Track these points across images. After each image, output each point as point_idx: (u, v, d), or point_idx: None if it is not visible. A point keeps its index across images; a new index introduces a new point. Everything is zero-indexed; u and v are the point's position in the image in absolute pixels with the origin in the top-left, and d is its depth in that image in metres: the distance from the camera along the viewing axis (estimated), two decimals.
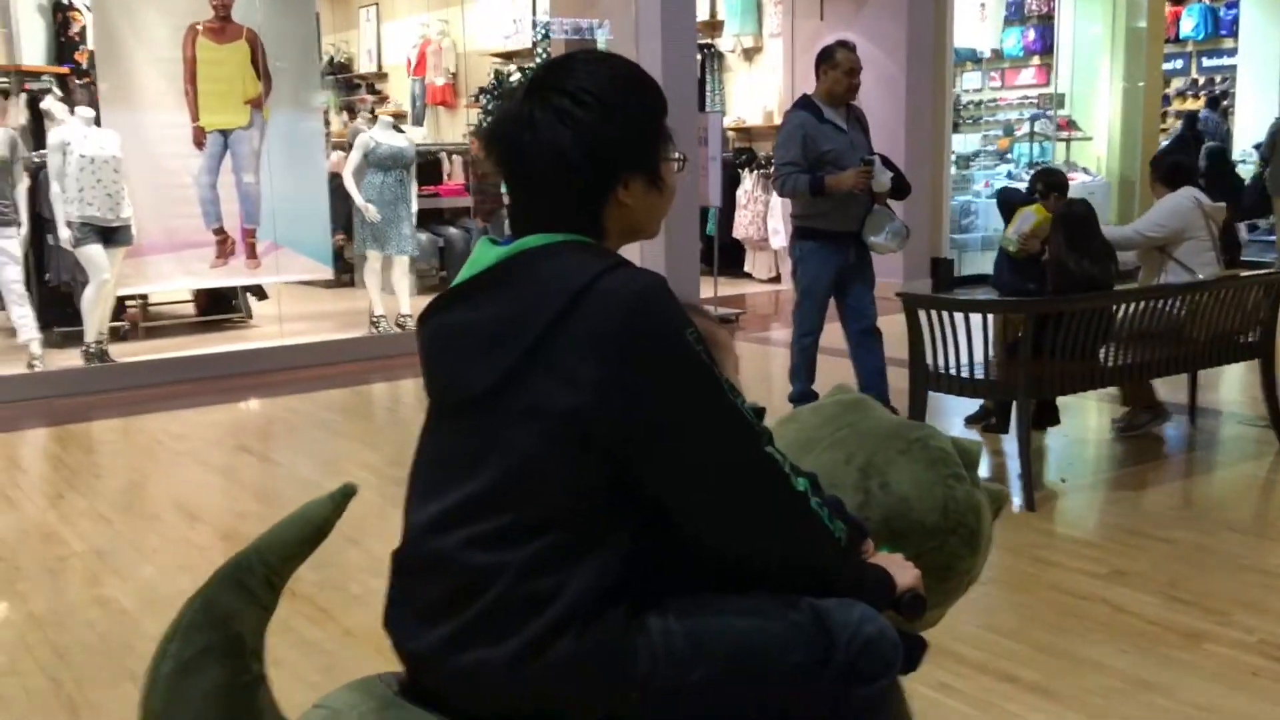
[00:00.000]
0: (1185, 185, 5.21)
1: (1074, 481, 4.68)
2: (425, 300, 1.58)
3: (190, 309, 9.52)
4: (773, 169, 5.43)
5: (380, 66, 16.21)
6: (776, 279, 11.12)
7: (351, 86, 17.07)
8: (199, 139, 7.97)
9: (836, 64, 5.20)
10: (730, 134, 11.89)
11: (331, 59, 17.17)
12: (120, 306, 8.41)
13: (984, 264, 11.15)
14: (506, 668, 1.40)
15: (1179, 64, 14.17)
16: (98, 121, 7.34)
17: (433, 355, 1.54)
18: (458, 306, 1.51)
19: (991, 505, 1.92)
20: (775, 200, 10.88)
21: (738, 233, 11.25)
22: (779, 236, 10.78)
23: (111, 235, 7.25)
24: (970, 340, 4.42)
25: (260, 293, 9.40)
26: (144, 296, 9.27)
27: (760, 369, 7.43)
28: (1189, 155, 5.64)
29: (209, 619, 1.37)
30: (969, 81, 14.41)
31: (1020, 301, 4.64)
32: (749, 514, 1.47)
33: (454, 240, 10.75)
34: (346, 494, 1.46)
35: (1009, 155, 11.96)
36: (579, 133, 1.47)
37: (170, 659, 1.35)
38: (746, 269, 11.52)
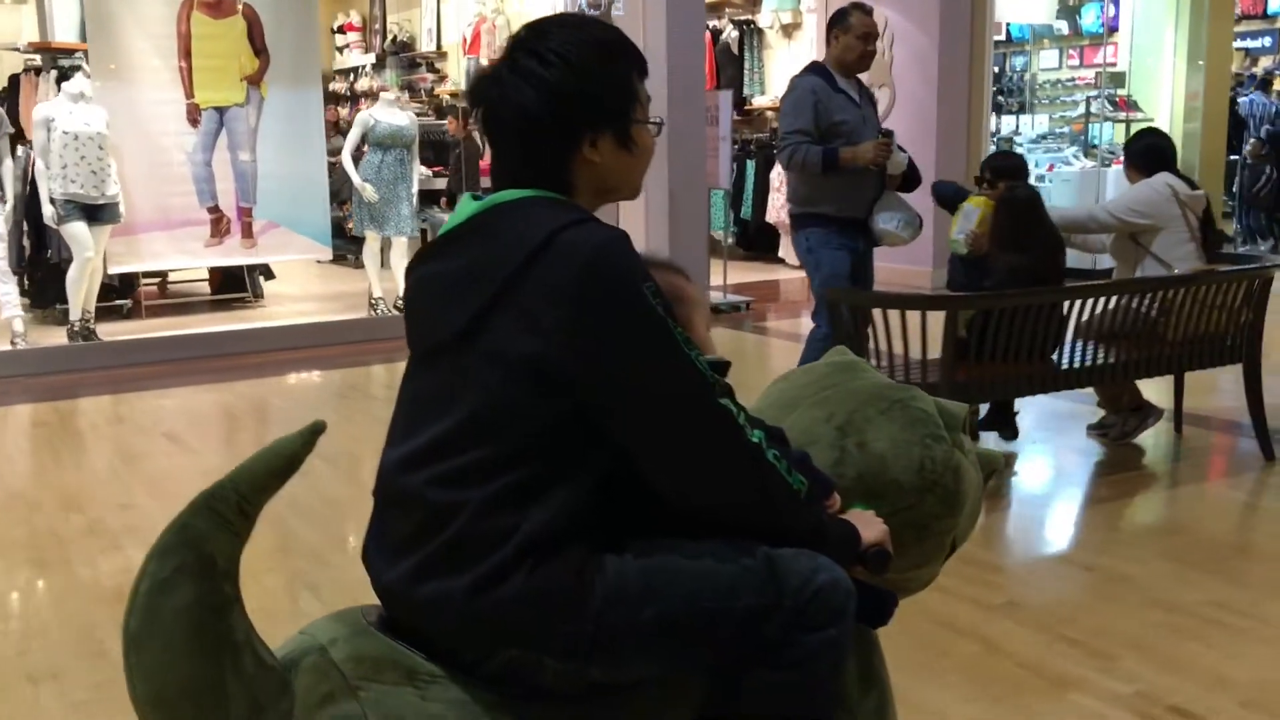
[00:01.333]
0: (1162, 170, 4.70)
1: (1024, 495, 4.26)
2: None
3: (205, 288, 9.50)
4: (778, 139, 4.76)
5: (439, 45, 16.11)
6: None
7: (413, 65, 16.99)
8: (193, 116, 7.89)
9: (850, 28, 4.69)
10: (769, 114, 11.48)
11: (394, 38, 17.16)
12: (132, 284, 8.40)
13: None
14: (463, 599, 1.46)
15: (1267, 41, 13.29)
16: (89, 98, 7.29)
17: (411, 305, 1.63)
18: (436, 259, 1.60)
19: (984, 469, 1.92)
20: None
21: (771, 216, 10.86)
22: None
23: (96, 213, 7.20)
24: (902, 339, 4.02)
25: (268, 272, 9.32)
26: (163, 274, 9.32)
27: (758, 362, 7.07)
28: (1163, 137, 5.06)
29: (182, 541, 1.42)
30: (1046, 60, 13.73)
31: (948, 297, 4.21)
32: (700, 463, 1.52)
33: None
34: (315, 430, 1.50)
35: (1084, 137, 11.33)
36: (542, 90, 1.55)
37: (147, 578, 1.42)
38: (781, 254, 11.11)
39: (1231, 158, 11.15)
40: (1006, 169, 4.76)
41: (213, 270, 9.17)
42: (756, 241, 11.39)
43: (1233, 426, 5.02)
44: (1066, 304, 4.18)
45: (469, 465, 1.48)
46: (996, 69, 12.50)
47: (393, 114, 8.31)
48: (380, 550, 1.57)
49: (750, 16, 11.43)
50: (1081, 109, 10.86)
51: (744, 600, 1.53)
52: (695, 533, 1.57)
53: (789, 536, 1.58)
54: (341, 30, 18.94)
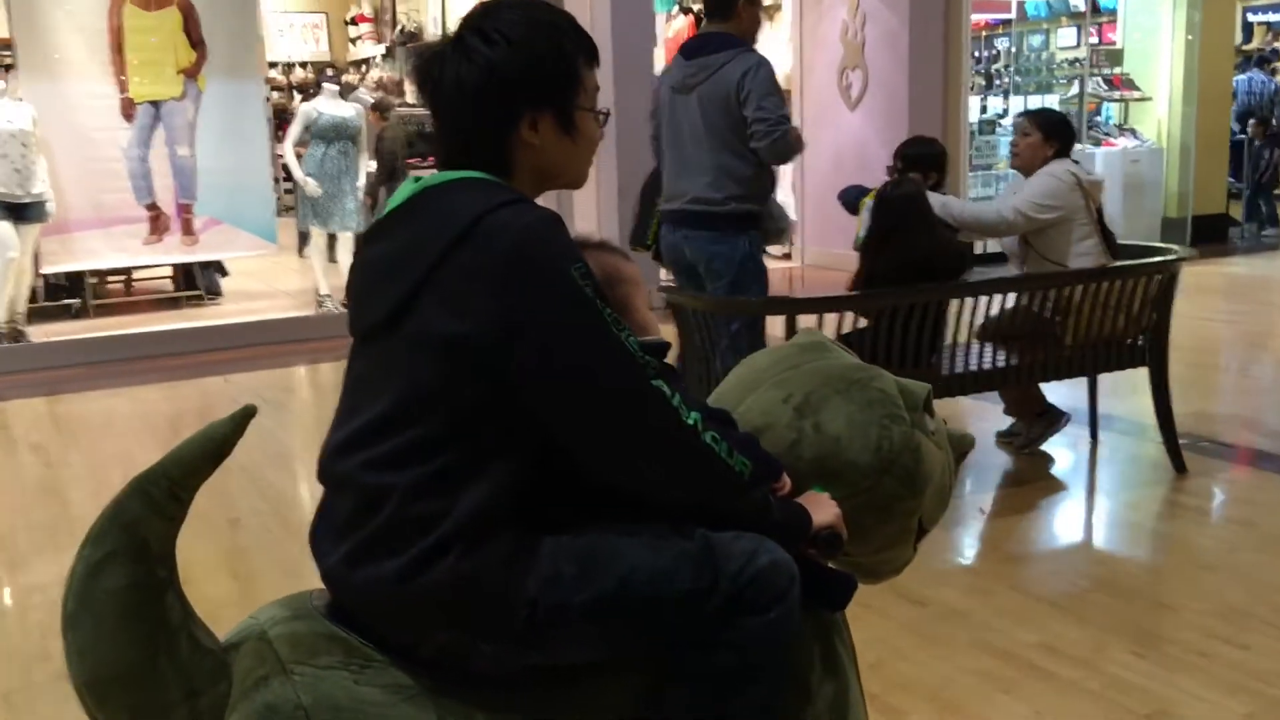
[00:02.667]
0: (1067, 155, 4.31)
1: None
2: None
3: (169, 285, 9.35)
4: (761, 123, 4.03)
5: (445, 33, 15.83)
6: (788, 256, 10.33)
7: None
8: (127, 111, 7.69)
9: (758, 1, 4.22)
10: None
11: (403, 28, 17.00)
12: (82, 283, 8.26)
13: None
14: (394, 583, 1.45)
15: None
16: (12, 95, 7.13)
17: (351, 288, 1.62)
18: (374, 242, 1.60)
19: (954, 449, 1.90)
20: (786, 168, 10.09)
21: None
22: (787, 209, 9.98)
23: (21, 212, 7.05)
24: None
25: (222, 269, 9.15)
26: (128, 272, 9.18)
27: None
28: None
29: (115, 525, 1.43)
30: (1064, 38, 13.20)
31: (782, 301, 3.85)
32: (632, 446, 1.50)
33: None
34: (246, 414, 1.50)
35: (1099, 117, 10.82)
36: (483, 67, 1.54)
37: (82, 561, 1.43)
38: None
39: (1239, 137, 10.62)
40: (918, 158, 4.41)
41: (175, 268, 9.02)
42: None
43: (1154, 431, 4.62)
44: (955, 304, 3.83)
45: (399, 449, 1.47)
46: (1014, 49, 12.03)
47: (337, 105, 8.08)
48: (324, 534, 1.56)
49: None
50: (1075, 89, 10.35)
51: (680, 583, 1.51)
52: (636, 515, 1.55)
53: (733, 519, 1.57)
54: (354, 21, 18.85)
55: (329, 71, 18.24)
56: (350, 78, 17.64)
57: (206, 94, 7.90)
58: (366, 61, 17.97)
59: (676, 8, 11.69)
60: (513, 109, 1.56)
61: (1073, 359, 4.05)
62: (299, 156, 8.11)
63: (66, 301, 8.35)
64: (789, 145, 4.07)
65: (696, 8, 11.32)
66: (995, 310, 4.02)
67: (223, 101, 7.95)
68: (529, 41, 1.56)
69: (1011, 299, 4.09)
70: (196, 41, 7.83)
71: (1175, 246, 4.24)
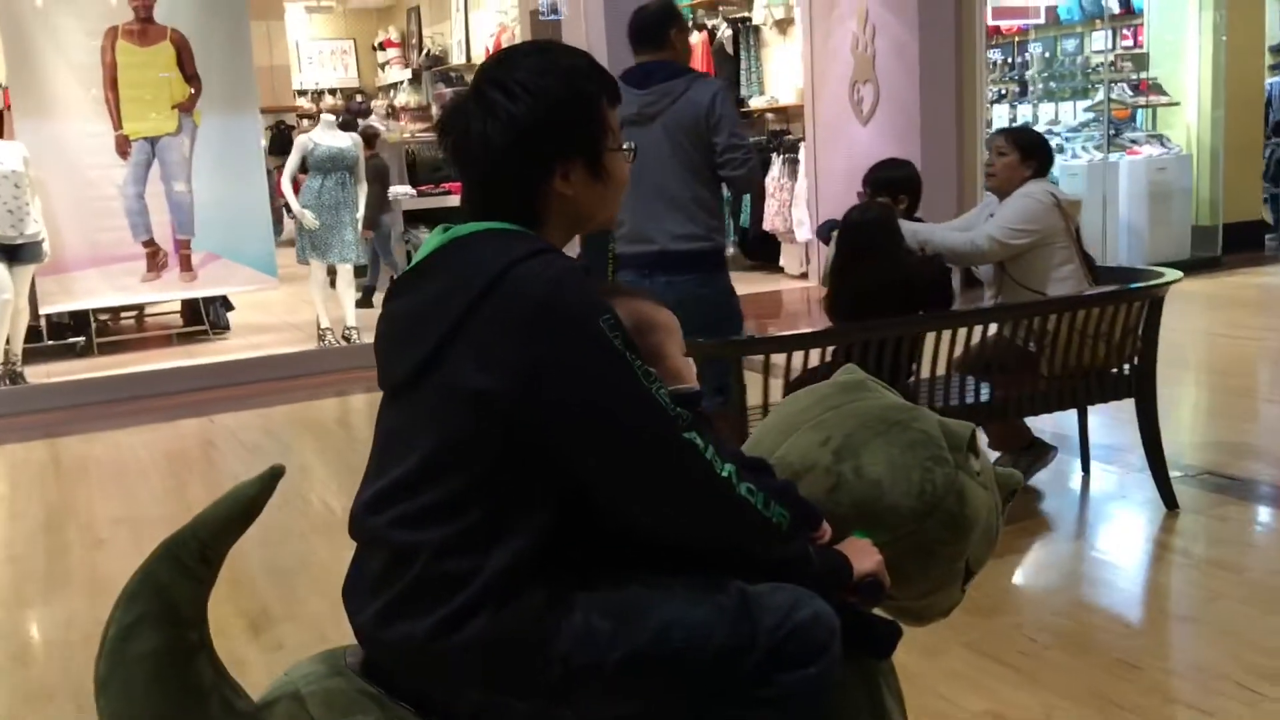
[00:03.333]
0: (1044, 175, 4.06)
1: None
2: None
3: (178, 320, 9.32)
4: (736, 150, 3.92)
5: (469, 58, 15.89)
6: (805, 275, 10.10)
7: (448, 79, 16.82)
8: (122, 148, 7.67)
9: (684, 24, 4.10)
10: (769, 115, 10.92)
11: (428, 52, 17.02)
12: (86, 321, 8.25)
13: None
14: (425, 642, 1.43)
15: None
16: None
17: (378, 342, 1.60)
18: (401, 295, 1.57)
19: (1002, 489, 1.85)
20: (800, 187, 9.87)
21: (767, 224, 10.28)
22: (804, 227, 9.77)
23: (14, 253, 7.01)
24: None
25: (228, 303, 9.10)
26: (140, 308, 9.18)
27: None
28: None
29: (146, 589, 1.43)
30: (1098, 41, 12.85)
31: (729, 343, 3.61)
32: (665, 499, 1.47)
33: None
34: (275, 475, 1.50)
35: (1133, 123, 10.46)
36: (508, 125, 1.51)
37: (114, 625, 1.43)
38: (781, 263, 10.53)
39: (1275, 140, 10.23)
40: (887, 182, 4.18)
41: (184, 302, 8.98)
42: (758, 250, 10.81)
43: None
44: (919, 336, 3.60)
45: (428, 505, 1.46)
46: (1047, 54, 11.72)
47: (333, 136, 7.98)
48: (355, 590, 1.55)
49: (746, 14, 10.87)
50: (1101, 94, 10.01)
51: (717, 639, 1.48)
52: (672, 565, 1.52)
53: (772, 570, 1.54)
54: (382, 47, 18.94)
55: (358, 98, 18.37)
56: (379, 103, 17.73)
57: (202, 128, 7.86)
58: (394, 87, 18.04)
59: (691, 24, 11.53)
60: (544, 164, 1.54)
61: (1053, 391, 3.80)
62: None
63: (71, 340, 8.34)
64: (759, 175, 3.91)
65: (710, 24, 11.16)
66: (975, 340, 3.80)
67: (219, 135, 7.91)
68: (551, 92, 1.53)
69: (991, 328, 3.86)
70: (191, 76, 7.80)
71: (1163, 270, 3.97)
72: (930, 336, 3.60)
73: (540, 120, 1.52)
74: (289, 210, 8.08)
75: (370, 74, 19.36)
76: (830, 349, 3.53)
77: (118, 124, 7.64)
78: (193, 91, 7.81)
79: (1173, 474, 4.18)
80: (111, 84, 7.59)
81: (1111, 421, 4.58)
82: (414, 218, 10.54)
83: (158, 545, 1.46)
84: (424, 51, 17.39)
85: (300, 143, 8.01)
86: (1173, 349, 6.63)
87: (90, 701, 1.48)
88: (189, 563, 1.45)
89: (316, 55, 19.15)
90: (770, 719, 1.49)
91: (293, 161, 7.96)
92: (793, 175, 9.96)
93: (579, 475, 1.46)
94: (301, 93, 18.54)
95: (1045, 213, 3.92)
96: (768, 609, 1.50)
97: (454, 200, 10.45)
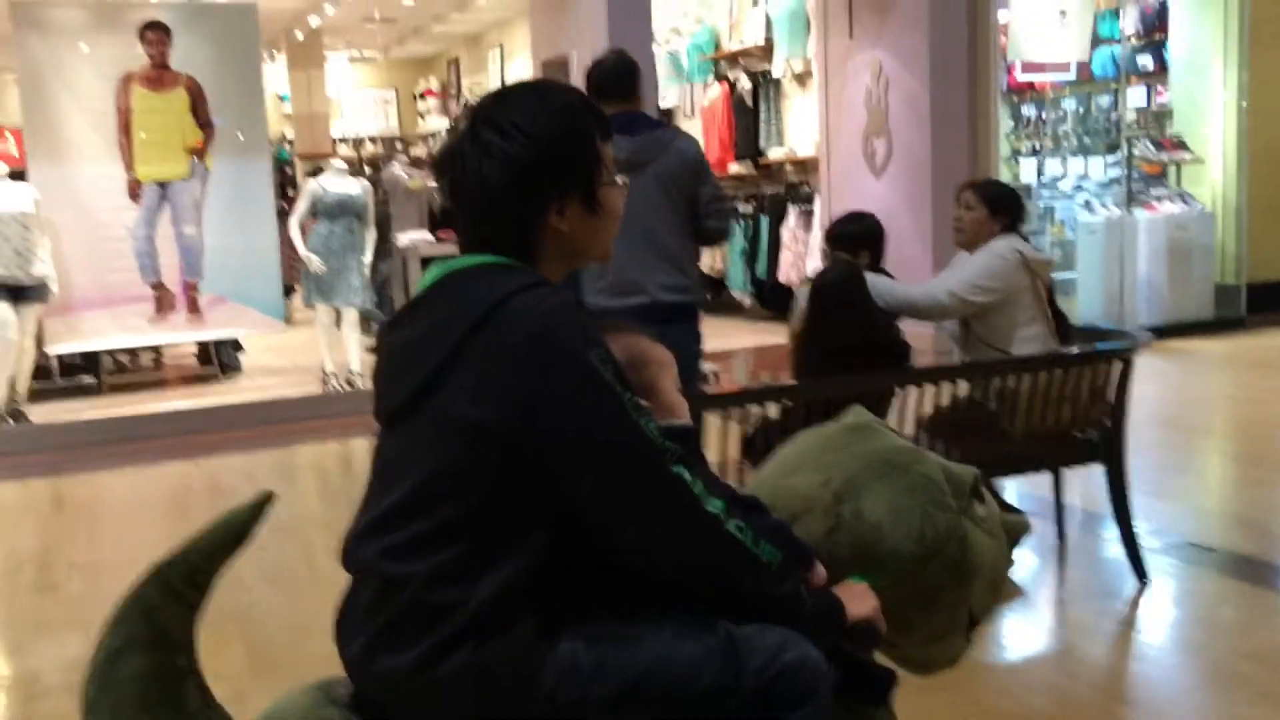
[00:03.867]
0: (1015, 231, 3.95)
1: None
2: None
3: (194, 363, 9.37)
4: (720, 203, 4.10)
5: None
6: None
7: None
8: (133, 191, 7.77)
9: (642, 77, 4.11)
10: (788, 167, 10.87)
11: (466, 102, 17.21)
12: (97, 361, 8.32)
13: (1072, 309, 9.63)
14: (410, 675, 1.43)
15: None
16: (18, 176, 7.23)
17: (376, 374, 1.63)
18: (398, 327, 1.59)
19: (1008, 535, 1.81)
20: (815, 238, 9.79)
21: (782, 275, 10.20)
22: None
23: (22, 293, 7.09)
24: None
25: (238, 345, 9.14)
26: (158, 349, 9.26)
27: None
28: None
29: (135, 612, 1.44)
30: (1134, 97, 12.72)
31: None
32: (653, 533, 1.46)
33: None
34: (264, 500, 1.52)
35: (1163, 180, 10.30)
36: (504, 165, 1.53)
37: (103, 648, 1.44)
38: None
39: None
40: (847, 236, 4.09)
41: (200, 345, 9.04)
42: (773, 301, 10.72)
43: (1160, 536, 4.18)
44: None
45: (417, 536, 1.46)
46: (1081, 109, 11.59)
47: (342, 183, 8.03)
48: (348, 622, 1.55)
49: (766, 67, 10.86)
50: (1123, 150, 9.86)
51: (702, 679, 1.47)
52: (662, 605, 1.51)
53: (762, 611, 1.51)
54: (423, 96, 19.20)
55: (398, 145, 18.57)
56: (419, 151, 17.93)
57: (214, 173, 7.94)
58: (433, 135, 18.25)
59: (711, 76, 11.55)
60: (539, 202, 1.56)
61: (1019, 454, 3.68)
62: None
63: (83, 380, 8.41)
64: (729, 230, 3.96)
65: (732, 76, 11.16)
66: (946, 401, 3.69)
67: (230, 180, 7.98)
68: (546, 131, 1.55)
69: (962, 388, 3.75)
70: (204, 123, 7.90)
71: (1134, 332, 3.84)
72: (903, 398, 3.50)
73: (536, 159, 1.54)
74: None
75: (411, 122, 19.62)
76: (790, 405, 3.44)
77: (130, 167, 7.74)
78: (206, 136, 7.89)
79: (1155, 543, 4.04)
80: (125, 128, 7.70)
81: (1099, 485, 4.43)
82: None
83: (147, 569, 1.45)
84: (462, 101, 17.60)
85: (310, 189, 8.07)
86: (1180, 410, 6.47)
87: None
88: (179, 586, 1.46)
89: (360, 104, 19.46)
90: None
91: (301, 207, 8.00)
92: (807, 227, 9.90)
93: (568, 507, 1.47)
94: (343, 140, 18.82)
95: (1010, 271, 3.81)
96: (755, 650, 1.48)
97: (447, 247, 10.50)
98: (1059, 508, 4.15)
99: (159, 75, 7.75)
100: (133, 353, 9.24)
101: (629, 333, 1.74)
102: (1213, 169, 9.62)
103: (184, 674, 1.46)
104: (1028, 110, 12.15)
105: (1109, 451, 3.72)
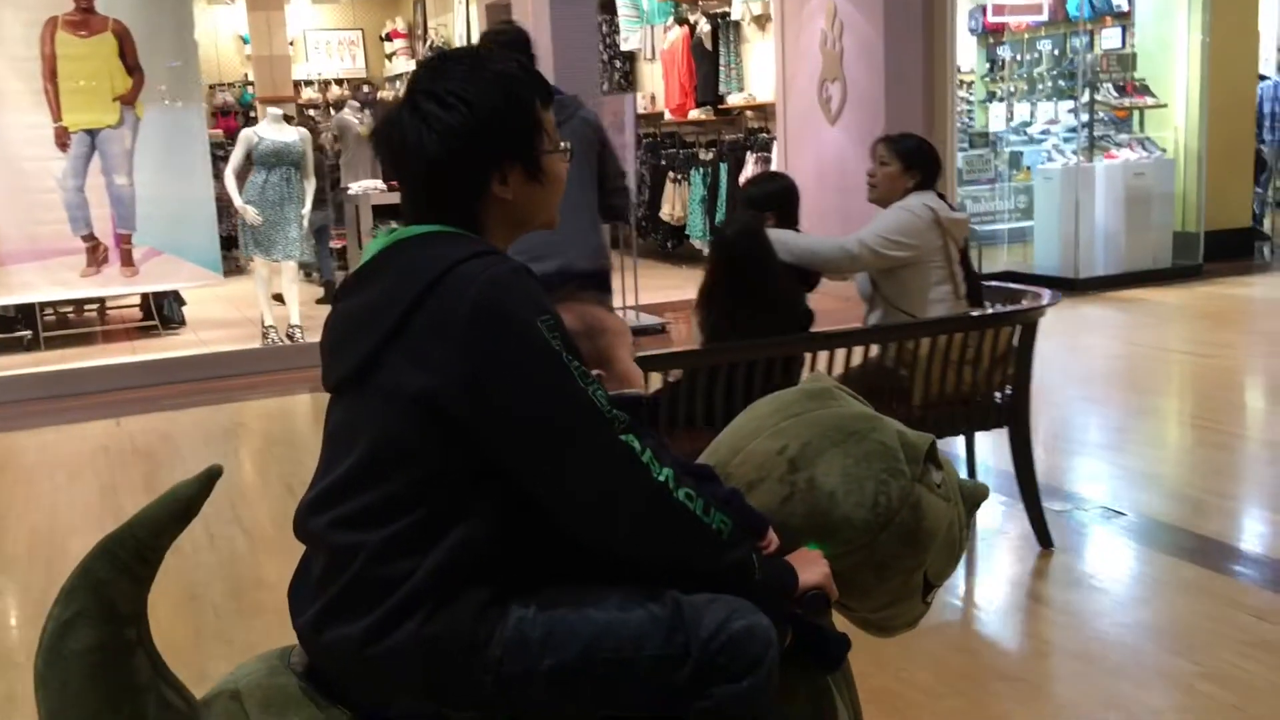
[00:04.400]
0: (931, 185, 3.80)
1: None
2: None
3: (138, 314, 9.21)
4: (622, 180, 4.12)
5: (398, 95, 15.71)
6: None
7: None
8: (61, 140, 7.55)
9: None
10: (748, 113, 10.67)
11: (432, 43, 16.88)
12: (33, 314, 8.15)
13: (1019, 258, 9.50)
14: (357, 646, 1.43)
15: None
16: None
17: (323, 343, 1.61)
18: (346, 296, 1.58)
19: (967, 501, 1.81)
20: None
21: None
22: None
23: None
24: None
25: (180, 298, 8.97)
26: (101, 301, 9.08)
27: None
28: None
29: (83, 585, 1.43)
30: (1109, 39, 12.48)
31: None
32: (599, 503, 1.45)
33: None
34: (212, 475, 1.51)
35: (1129, 125, 10.09)
36: (444, 136, 1.52)
37: (51, 620, 1.43)
38: None
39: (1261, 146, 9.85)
40: (758, 197, 3.93)
41: (143, 297, 8.86)
42: None
43: (1056, 497, 4.08)
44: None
45: (365, 507, 1.46)
46: (1056, 50, 11.37)
47: (279, 130, 7.82)
48: (299, 592, 1.55)
49: (725, 9, 10.61)
50: (1084, 95, 9.66)
51: (649, 649, 1.46)
52: (612, 574, 1.51)
53: (712, 580, 1.51)
54: (389, 37, 18.83)
55: (364, 89, 18.25)
56: (386, 94, 17.62)
57: (145, 121, 7.72)
58: (400, 78, 17.90)
59: (671, 19, 11.30)
60: (481, 172, 1.55)
61: (924, 419, 3.55)
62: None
63: (19, 333, 8.24)
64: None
65: (692, 18, 10.91)
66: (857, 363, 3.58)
67: (162, 128, 7.76)
68: (485, 100, 1.54)
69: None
70: (132, 68, 7.66)
71: (1042, 291, 3.70)
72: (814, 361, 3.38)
73: (476, 128, 1.53)
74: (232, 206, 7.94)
75: (378, 65, 19.26)
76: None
77: (57, 116, 7.51)
78: (135, 83, 7.66)
79: (1065, 507, 3.96)
80: (50, 75, 7.46)
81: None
82: (385, 213, 10.37)
83: (96, 543, 1.45)
84: (429, 42, 17.26)
85: (244, 136, 7.85)
86: (1120, 365, 6.36)
87: None
88: (127, 560, 1.45)
89: (324, 45, 19.07)
90: None
91: (236, 156, 7.79)
92: None
93: (515, 477, 1.45)
94: (308, 83, 18.48)
95: (923, 228, 3.67)
96: (703, 620, 1.47)
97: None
98: (970, 472, 4.04)
99: (84, 19, 7.50)
100: (79, 306, 9.08)
101: (584, 301, 1.75)
102: (1176, 114, 9.45)
103: (133, 646, 1.46)
104: (1003, 52, 11.94)
105: (1013, 415, 3.60)
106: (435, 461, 1.45)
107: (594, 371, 1.52)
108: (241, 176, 7.59)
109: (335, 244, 10.22)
